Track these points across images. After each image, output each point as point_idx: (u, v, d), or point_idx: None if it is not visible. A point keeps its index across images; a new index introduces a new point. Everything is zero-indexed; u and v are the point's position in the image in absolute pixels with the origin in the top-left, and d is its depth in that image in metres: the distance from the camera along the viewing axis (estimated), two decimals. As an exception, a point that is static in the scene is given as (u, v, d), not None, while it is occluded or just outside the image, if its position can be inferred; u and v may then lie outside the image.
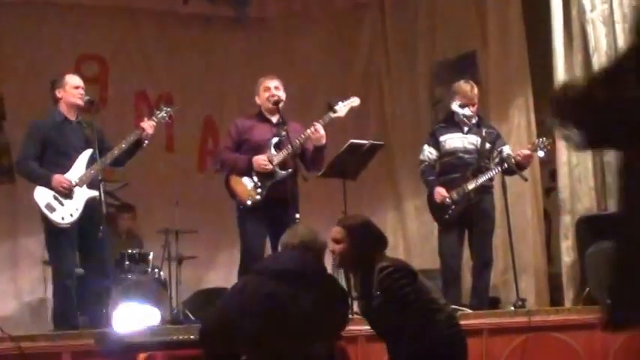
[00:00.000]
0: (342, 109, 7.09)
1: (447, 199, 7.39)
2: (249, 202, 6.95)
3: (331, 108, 7.06)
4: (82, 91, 6.88)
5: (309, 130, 6.90)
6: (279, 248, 4.97)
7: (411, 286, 4.62)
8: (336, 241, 4.85)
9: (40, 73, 8.95)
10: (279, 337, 4.37)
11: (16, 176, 8.18)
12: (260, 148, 7.02)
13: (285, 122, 6.95)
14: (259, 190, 6.93)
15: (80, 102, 6.85)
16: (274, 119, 7.09)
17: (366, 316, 5.03)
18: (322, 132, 6.91)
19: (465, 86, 7.59)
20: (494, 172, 7.40)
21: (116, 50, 10.21)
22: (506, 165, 7.30)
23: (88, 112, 6.99)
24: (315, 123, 6.93)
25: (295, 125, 7.11)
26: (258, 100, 7.18)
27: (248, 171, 6.98)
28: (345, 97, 7.21)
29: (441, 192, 7.44)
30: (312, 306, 4.42)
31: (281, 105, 7.03)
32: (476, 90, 7.60)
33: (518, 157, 7.33)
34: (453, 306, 6.21)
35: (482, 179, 7.37)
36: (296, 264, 4.56)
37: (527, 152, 7.41)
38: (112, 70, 10.14)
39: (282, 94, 7.10)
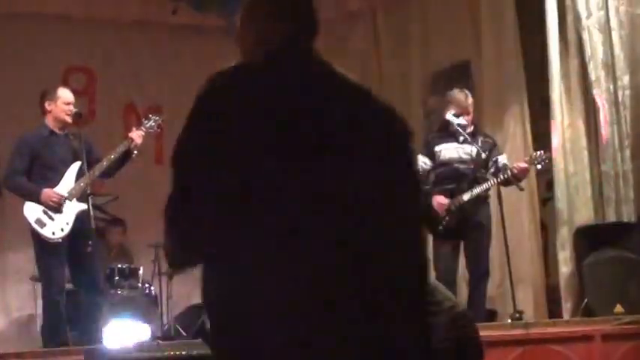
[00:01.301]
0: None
1: (444, 210, 7.27)
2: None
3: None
4: (72, 107, 6.81)
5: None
6: None
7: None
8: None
9: (28, 85, 8.84)
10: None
11: (4, 191, 8.07)
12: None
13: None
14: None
15: (68, 119, 6.80)
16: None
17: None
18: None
19: (460, 95, 7.50)
20: (490, 183, 7.26)
21: (104, 62, 10.10)
22: (502, 176, 7.18)
23: (76, 124, 6.89)
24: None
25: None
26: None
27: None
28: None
29: (440, 200, 7.29)
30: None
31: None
32: (470, 99, 7.51)
33: (515, 170, 7.18)
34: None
35: (477, 190, 7.25)
36: None
37: (524, 165, 7.25)
38: (100, 82, 10.04)
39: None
